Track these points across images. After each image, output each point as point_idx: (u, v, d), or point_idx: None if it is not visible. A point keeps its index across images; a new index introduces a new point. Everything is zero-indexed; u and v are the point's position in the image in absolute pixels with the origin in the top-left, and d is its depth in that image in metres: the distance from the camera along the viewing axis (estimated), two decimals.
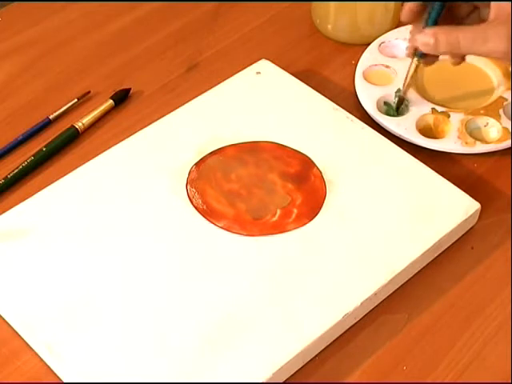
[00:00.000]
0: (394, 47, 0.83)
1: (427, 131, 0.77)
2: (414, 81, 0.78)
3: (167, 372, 0.61)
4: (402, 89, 0.77)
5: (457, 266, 0.69)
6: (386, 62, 0.82)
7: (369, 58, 0.82)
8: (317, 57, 0.86)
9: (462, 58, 0.74)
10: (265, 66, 0.81)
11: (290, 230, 0.68)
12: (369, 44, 0.84)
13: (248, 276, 0.66)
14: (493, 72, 0.81)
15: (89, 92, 0.82)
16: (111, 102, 0.80)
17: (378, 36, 0.84)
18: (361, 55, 0.83)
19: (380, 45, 0.83)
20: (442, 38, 0.69)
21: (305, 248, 0.67)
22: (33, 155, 0.76)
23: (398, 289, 0.67)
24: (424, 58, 0.74)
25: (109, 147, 0.74)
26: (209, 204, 0.70)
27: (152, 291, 0.65)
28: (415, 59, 0.75)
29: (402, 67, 0.81)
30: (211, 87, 0.79)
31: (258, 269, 0.66)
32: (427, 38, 0.70)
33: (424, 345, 0.65)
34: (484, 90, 0.80)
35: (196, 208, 0.70)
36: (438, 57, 0.75)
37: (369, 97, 0.79)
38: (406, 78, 0.76)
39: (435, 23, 0.71)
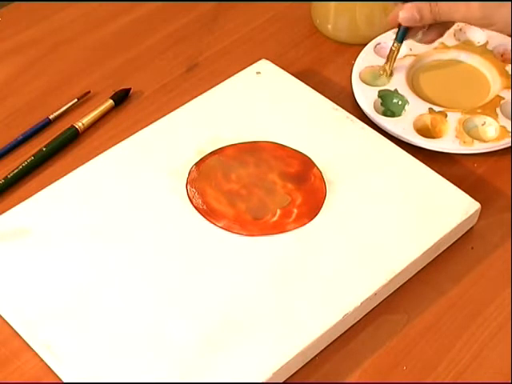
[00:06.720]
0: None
1: (425, 131, 0.77)
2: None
3: (167, 372, 0.61)
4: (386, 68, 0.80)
5: (457, 266, 0.69)
6: (381, 63, 0.81)
7: (365, 59, 0.82)
8: (317, 57, 0.86)
9: (439, 35, 0.77)
10: (265, 65, 0.81)
11: (290, 230, 0.68)
12: None
13: (248, 276, 0.66)
14: (489, 71, 0.81)
15: (89, 92, 0.82)
16: (111, 101, 0.80)
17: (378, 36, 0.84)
18: None
19: (376, 46, 0.83)
20: (424, 8, 0.73)
21: (305, 248, 0.67)
22: (33, 155, 0.76)
23: (398, 289, 0.67)
24: (405, 38, 0.77)
25: (109, 147, 0.74)
26: (209, 204, 0.70)
27: (152, 291, 0.65)
28: (396, 43, 0.78)
29: (398, 68, 0.81)
30: (211, 87, 0.79)
31: (258, 269, 0.66)
32: (410, 12, 0.73)
33: (424, 345, 0.65)
34: (480, 89, 0.80)
35: (196, 208, 0.70)
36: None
37: (366, 97, 0.79)
38: (390, 61, 0.79)
39: None
